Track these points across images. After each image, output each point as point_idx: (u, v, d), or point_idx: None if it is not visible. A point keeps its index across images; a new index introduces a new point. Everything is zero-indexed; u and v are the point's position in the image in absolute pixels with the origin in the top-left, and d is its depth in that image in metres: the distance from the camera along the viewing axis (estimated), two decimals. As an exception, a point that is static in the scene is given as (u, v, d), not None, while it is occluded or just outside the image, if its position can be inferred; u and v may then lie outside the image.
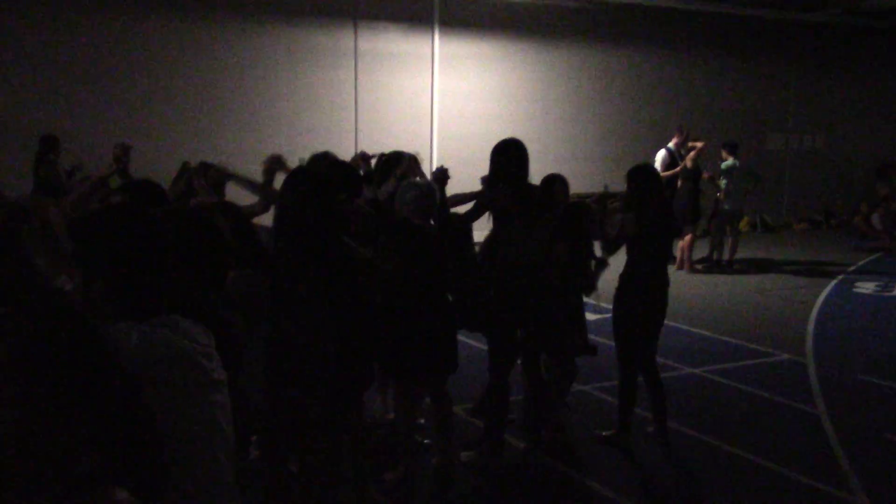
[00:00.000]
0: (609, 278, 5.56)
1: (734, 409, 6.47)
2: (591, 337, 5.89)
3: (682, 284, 11.20)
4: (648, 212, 5.36)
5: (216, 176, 5.33)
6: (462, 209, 5.51)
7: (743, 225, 14.52)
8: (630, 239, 5.42)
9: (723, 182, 12.13)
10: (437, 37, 13.65)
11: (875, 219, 14.58)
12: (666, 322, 5.64)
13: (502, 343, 5.27)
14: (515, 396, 5.71)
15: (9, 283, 1.94)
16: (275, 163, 5.11)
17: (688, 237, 11.79)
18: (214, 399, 1.87)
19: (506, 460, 5.32)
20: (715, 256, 12.39)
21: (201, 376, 1.86)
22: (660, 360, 6.34)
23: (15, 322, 1.63)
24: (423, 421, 5.54)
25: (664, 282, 5.52)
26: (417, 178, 5.00)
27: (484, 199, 5.38)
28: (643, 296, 5.39)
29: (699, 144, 11.94)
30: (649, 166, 6.11)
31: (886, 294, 10.83)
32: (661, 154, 12.62)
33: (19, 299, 1.92)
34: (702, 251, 12.49)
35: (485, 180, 5.45)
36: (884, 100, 18.18)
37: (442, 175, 5.28)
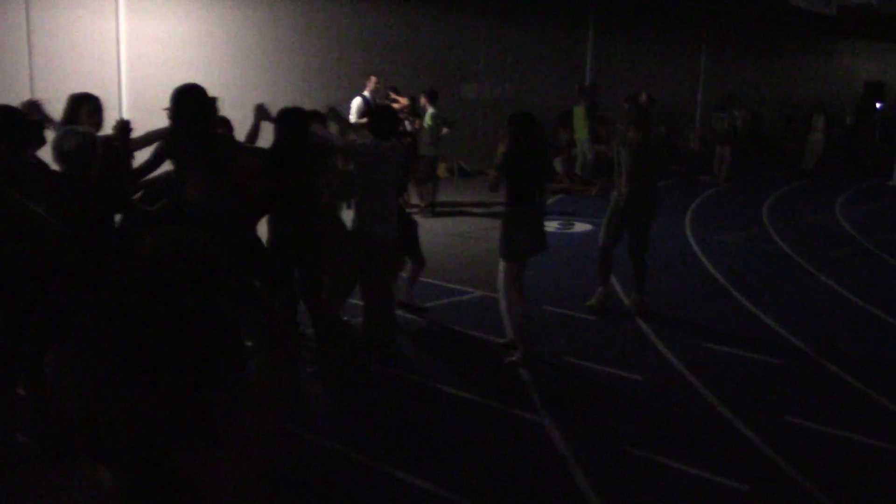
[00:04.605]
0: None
1: (429, 345, 6.80)
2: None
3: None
4: None
5: None
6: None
7: (441, 171, 15.17)
8: None
9: (427, 129, 12.53)
10: (120, -25, 12.67)
11: (557, 163, 15.85)
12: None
13: None
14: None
15: None
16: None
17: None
18: None
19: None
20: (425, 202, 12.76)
21: None
22: (355, 301, 6.54)
23: None
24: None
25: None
26: (76, 126, 4.77)
27: (162, 148, 5.30)
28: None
29: (403, 101, 12.34)
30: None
31: (567, 231, 11.87)
32: (356, 101, 12.81)
33: None
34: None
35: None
36: (566, 53, 19.69)
37: (123, 128, 5.09)
